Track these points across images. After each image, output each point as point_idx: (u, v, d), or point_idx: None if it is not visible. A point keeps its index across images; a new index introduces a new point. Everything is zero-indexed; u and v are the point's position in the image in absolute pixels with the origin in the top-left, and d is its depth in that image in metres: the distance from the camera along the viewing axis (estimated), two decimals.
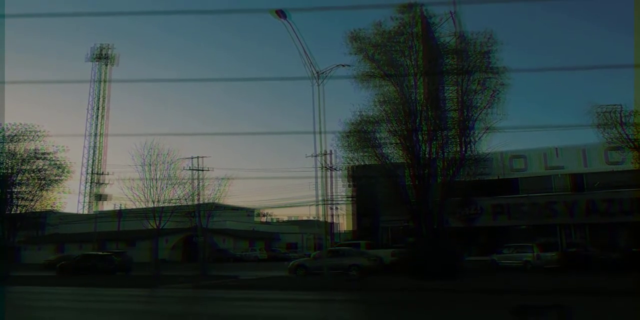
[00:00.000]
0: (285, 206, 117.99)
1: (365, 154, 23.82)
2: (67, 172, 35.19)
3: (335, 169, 34.22)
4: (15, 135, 33.58)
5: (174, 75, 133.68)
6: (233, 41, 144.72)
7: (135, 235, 50.71)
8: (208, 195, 33.55)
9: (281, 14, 22.54)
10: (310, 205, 75.15)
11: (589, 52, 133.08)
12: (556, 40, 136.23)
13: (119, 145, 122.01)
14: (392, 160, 23.54)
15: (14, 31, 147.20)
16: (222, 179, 33.44)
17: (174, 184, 31.90)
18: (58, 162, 34.70)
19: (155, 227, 31.09)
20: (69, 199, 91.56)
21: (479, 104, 22.91)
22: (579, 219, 30.03)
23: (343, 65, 24.98)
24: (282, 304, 15.47)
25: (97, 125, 75.25)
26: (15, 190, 34.04)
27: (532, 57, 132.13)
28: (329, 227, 35.25)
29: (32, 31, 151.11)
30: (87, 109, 75.95)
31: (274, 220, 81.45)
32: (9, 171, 33.62)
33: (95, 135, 75.13)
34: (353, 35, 23.61)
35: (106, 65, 74.95)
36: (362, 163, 24.80)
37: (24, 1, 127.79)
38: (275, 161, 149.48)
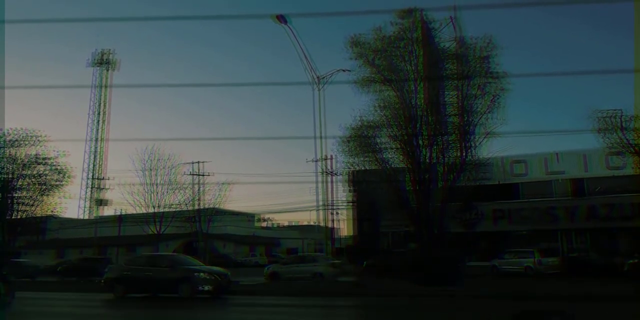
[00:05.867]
0: (286, 211, 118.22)
1: (366, 158, 23.86)
2: (68, 177, 35.35)
3: (335, 174, 34.28)
4: (16, 140, 33.73)
5: (175, 80, 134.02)
6: (234, 46, 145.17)
7: (135, 240, 50.64)
8: (208, 200, 33.73)
9: (282, 19, 22.71)
10: (310, 210, 75.21)
11: (589, 56, 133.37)
12: (556, 44, 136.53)
13: (119, 150, 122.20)
14: (392, 165, 23.57)
15: (15, 36, 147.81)
16: (223, 184, 33.62)
17: (175, 189, 32.09)
18: (59, 167, 34.86)
19: (155, 232, 31.12)
20: (69, 204, 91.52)
21: (479, 109, 22.97)
22: (579, 224, 30.01)
23: (343, 70, 25.21)
24: (284, 310, 15.44)
25: (97, 130, 75.24)
26: (16, 195, 34.15)
27: (532, 61, 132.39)
28: (329, 232, 35.22)
29: (33, 36, 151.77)
30: (88, 114, 75.87)
31: (275, 226, 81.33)
32: (10, 176, 33.71)
33: (96, 140, 75.12)
34: (353, 40, 23.70)
35: (107, 70, 75.01)
36: (363, 168, 24.84)
37: (24, 7, 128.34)
38: (275, 166, 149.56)
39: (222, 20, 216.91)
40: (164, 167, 31.50)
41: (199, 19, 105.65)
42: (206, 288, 17.15)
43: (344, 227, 50.43)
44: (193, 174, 34.17)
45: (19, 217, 34.36)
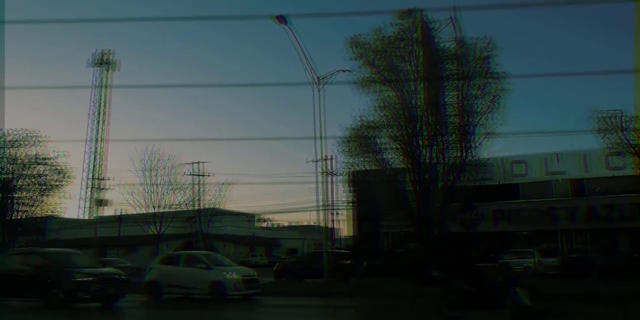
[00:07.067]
0: (286, 211, 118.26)
1: (366, 159, 23.85)
2: (68, 177, 35.23)
3: (335, 174, 34.28)
4: (16, 140, 33.62)
5: (175, 81, 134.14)
6: (234, 46, 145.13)
7: (135, 240, 50.65)
8: (208, 200, 33.72)
9: (282, 19, 22.62)
10: (310, 210, 75.14)
11: (588, 57, 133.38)
12: (556, 45, 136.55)
13: (119, 151, 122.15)
14: (392, 166, 23.57)
15: (15, 36, 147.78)
16: (223, 184, 33.59)
17: (175, 190, 32.04)
18: (59, 168, 34.75)
19: (155, 232, 31.10)
20: (69, 204, 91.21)
21: (479, 109, 22.96)
22: (579, 225, 30.02)
23: (343, 71, 25.15)
24: (285, 310, 15.46)
25: (97, 130, 75.16)
26: (16, 195, 34.05)
27: (532, 62, 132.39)
28: (329, 232, 35.23)
29: (33, 37, 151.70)
30: (88, 114, 75.72)
31: (275, 226, 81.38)
32: (10, 176, 33.66)
33: (96, 140, 75.03)
34: (353, 40, 23.69)
35: (107, 70, 74.95)
36: (363, 168, 24.83)
37: (25, 7, 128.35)
38: (275, 166, 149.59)
39: (222, 21, 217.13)
40: (164, 168, 31.52)
41: (199, 20, 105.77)
42: None
43: (344, 227, 50.49)
44: (193, 175, 34.26)
45: (18, 217, 34.29)
